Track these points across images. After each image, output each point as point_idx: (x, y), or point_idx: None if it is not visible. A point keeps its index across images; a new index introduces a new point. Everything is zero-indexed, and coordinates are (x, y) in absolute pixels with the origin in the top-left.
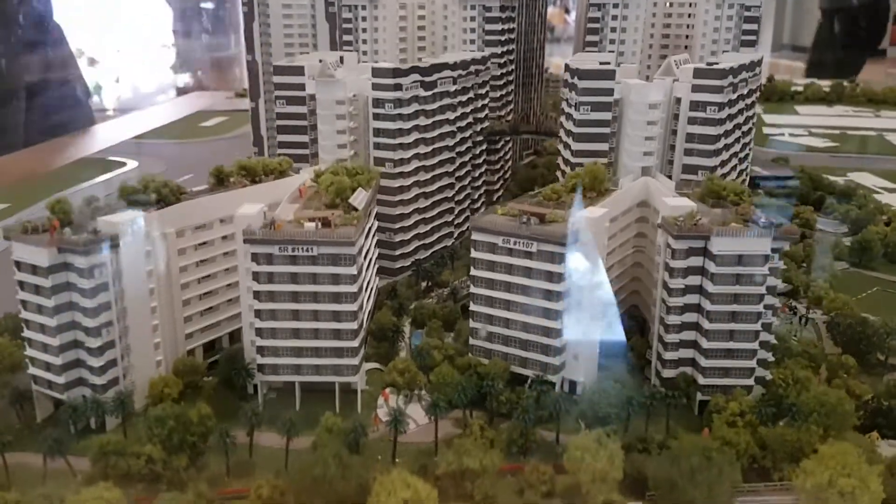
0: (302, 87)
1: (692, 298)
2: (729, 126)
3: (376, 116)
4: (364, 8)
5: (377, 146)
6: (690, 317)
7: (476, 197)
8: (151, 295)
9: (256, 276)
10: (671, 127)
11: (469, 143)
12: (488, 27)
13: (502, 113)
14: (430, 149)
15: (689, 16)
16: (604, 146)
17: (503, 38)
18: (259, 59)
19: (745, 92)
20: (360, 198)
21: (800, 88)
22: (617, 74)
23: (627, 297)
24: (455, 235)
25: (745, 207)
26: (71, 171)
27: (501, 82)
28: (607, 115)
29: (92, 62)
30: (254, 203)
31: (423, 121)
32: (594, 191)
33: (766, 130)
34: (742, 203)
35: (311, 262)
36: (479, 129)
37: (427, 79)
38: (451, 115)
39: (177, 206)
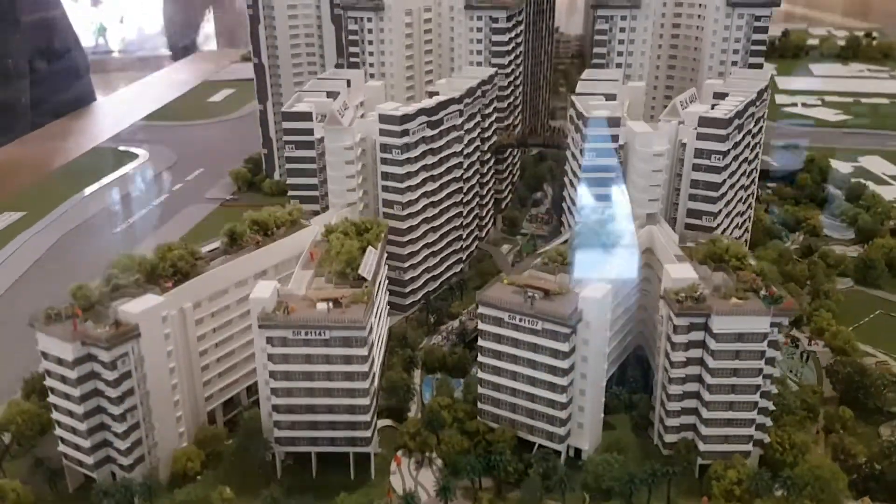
0: (310, 131)
1: (693, 369)
2: (734, 166)
3: (384, 161)
4: (370, 20)
5: (385, 189)
6: (692, 386)
7: (485, 213)
8: (172, 373)
9: (272, 357)
10: (676, 171)
11: (476, 165)
12: (495, 38)
13: (509, 122)
14: (437, 184)
15: (698, 27)
16: (608, 195)
17: (510, 48)
18: (266, 62)
19: (752, 126)
20: (369, 264)
21: (815, 42)
22: (622, 120)
23: (632, 339)
24: (464, 259)
25: (747, 274)
26: (83, 165)
27: (507, 92)
28: (613, 161)
29: (95, 2)
30: (267, 268)
31: (430, 159)
32: None
33: (779, 100)
34: (743, 269)
35: (323, 345)
36: (486, 147)
37: (434, 118)
38: (458, 148)
39: (194, 281)
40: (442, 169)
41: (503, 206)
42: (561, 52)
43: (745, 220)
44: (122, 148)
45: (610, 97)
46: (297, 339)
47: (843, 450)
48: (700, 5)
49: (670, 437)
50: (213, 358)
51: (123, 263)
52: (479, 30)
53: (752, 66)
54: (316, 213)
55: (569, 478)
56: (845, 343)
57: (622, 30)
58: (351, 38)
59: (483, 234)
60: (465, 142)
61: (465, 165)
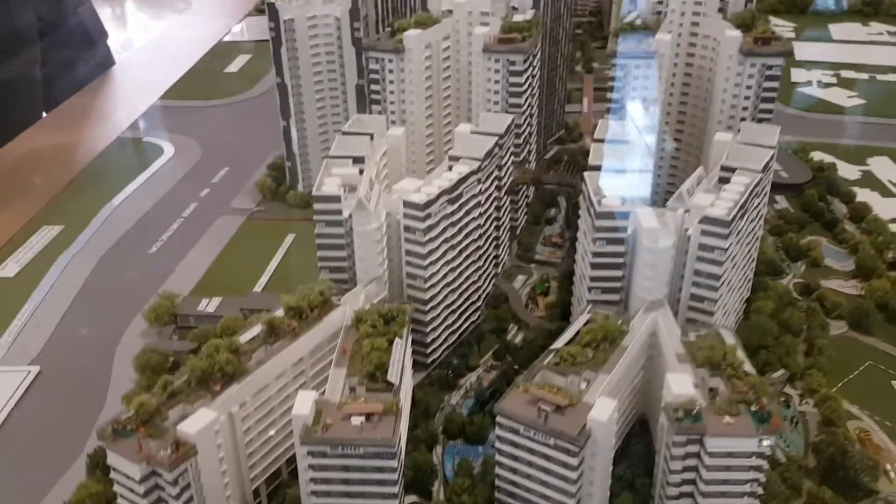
0: (339, 212)
1: (689, 474)
2: (736, 250)
3: (407, 240)
4: (391, 61)
5: (408, 263)
6: (688, 487)
7: (500, 250)
8: (224, 475)
9: (312, 467)
10: (682, 259)
11: (492, 211)
12: (512, 80)
13: (524, 155)
14: (457, 251)
15: (708, 80)
16: (618, 277)
17: (525, 88)
18: (288, 83)
19: (758, 201)
20: (395, 365)
21: None
22: (631, 214)
23: (636, 409)
24: (481, 304)
25: (741, 384)
26: (110, 161)
27: (523, 127)
28: (621, 249)
29: None
30: (304, 356)
31: (450, 231)
32: (607, 341)
33: (794, 76)
34: (739, 378)
35: (358, 458)
36: (503, 191)
37: (453, 194)
38: (476, 213)
39: (241, 387)
40: (461, 236)
41: (518, 231)
42: (578, 8)
43: (748, 270)
44: (146, 139)
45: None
46: (334, 453)
47: None
48: (713, 51)
49: None
50: (256, 444)
51: (161, 308)
52: (497, 71)
53: (761, 116)
54: (344, 283)
55: None
56: (832, 412)
57: (636, 77)
58: (372, 76)
59: (499, 270)
60: (484, 199)
61: (482, 219)
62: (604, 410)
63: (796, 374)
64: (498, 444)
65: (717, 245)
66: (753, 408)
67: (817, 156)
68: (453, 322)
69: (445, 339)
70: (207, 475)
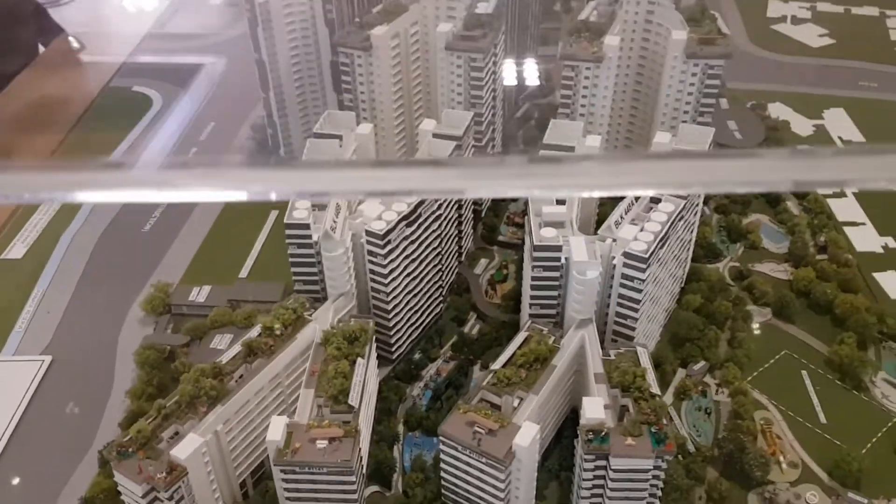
0: (309, 237)
1: (598, 482)
2: (658, 271)
3: (370, 261)
4: (359, 57)
5: (372, 280)
6: (598, 491)
7: (462, 239)
8: (212, 482)
9: (285, 481)
10: (609, 282)
11: (453, 216)
12: (473, 75)
13: (485, 141)
14: (417, 262)
15: (658, 77)
16: (553, 297)
17: (485, 82)
18: (266, 60)
19: (684, 219)
20: (356, 388)
21: None
22: (564, 246)
23: (568, 403)
24: (444, 295)
25: (645, 407)
26: (102, 110)
27: (484, 118)
28: (556, 275)
29: None
30: (279, 371)
31: (410, 248)
32: (538, 361)
33: (770, 10)
34: (645, 399)
35: (323, 476)
36: None
37: (412, 218)
38: (436, 226)
39: (225, 408)
40: (421, 248)
41: (482, 213)
42: None
43: (685, 263)
44: (135, 88)
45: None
46: (303, 472)
47: None
48: (664, 48)
49: None
50: (240, 450)
51: (156, 300)
52: (459, 66)
53: (703, 111)
54: (316, 295)
55: None
56: (741, 406)
57: (587, 77)
58: (343, 68)
59: (462, 256)
60: (445, 208)
61: (443, 227)
62: (527, 436)
63: (716, 365)
64: (442, 457)
65: (636, 276)
66: (653, 429)
67: (775, 110)
68: (416, 320)
69: (409, 336)
70: (198, 487)
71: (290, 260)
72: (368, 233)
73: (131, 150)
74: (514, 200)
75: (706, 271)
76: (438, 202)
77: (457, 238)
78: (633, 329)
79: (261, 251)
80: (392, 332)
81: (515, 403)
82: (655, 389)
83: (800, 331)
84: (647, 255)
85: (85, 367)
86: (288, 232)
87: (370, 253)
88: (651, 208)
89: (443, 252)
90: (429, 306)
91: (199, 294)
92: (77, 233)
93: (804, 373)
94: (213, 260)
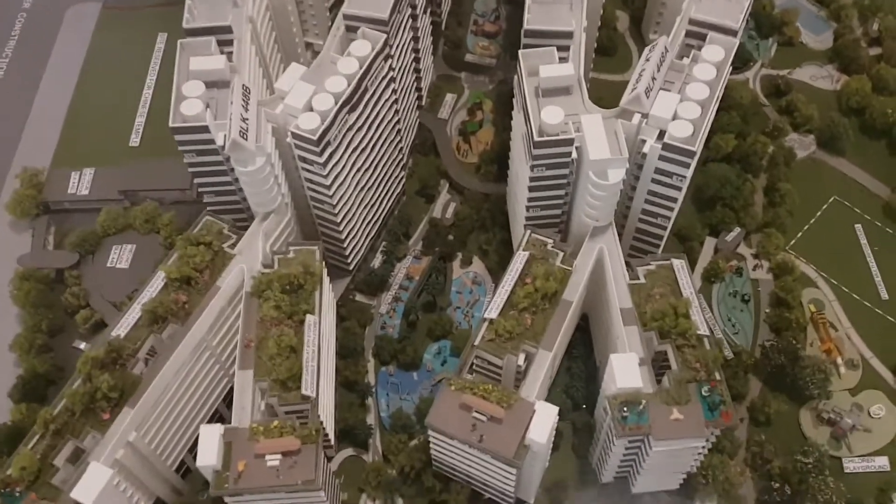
0: (211, 141)
1: (631, 454)
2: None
3: (305, 170)
4: None
5: (311, 190)
6: (630, 456)
7: (423, 79)
8: (139, 497)
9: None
10: (634, 173)
11: (410, 63)
12: None
13: None
14: (368, 152)
15: None
16: (558, 202)
17: None
18: None
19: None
20: (309, 372)
21: None
22: (576, 138)
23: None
24: (405, 165)
25: (692, 359)
26: None
27: None
28: (564, 171)
29: None
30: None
31: (357, 138)
32: (546, 299)
33: None
34: (687, 348)
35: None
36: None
37: (354, 100)
38: (388, 92)
39: (136, 411)
40: (372, 131)
41: (443, 24)
42: None
43: None
44: None
45: (563, 42)
46: (256, 498)
47: (761, 457)
48: None
49: (607, 478)
50: (167, 439)
51: (26, 199)
52: None
53: None
54: (238, 219)
55: None
56: (784, 288)
57: None
58: None
59: (422, 100)
60: (398, 63)
61: (399, 80)
62: (544, 426)
63: (752, 230)
64: (433, 446)
65: (677, 172)
66: (705, 390)
67: None
68: (373, 215)
69: (366, 236)
70: None
71: (191, 170)
72: (297, 136)
73: None
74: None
75: (734, 87)
76: (389, 59)
77: (415, 83)
78: (661, 238)
79: (152, 100)
80: (346, 243)
81: (521, 361)
82: (702, 328)
83: (851, 166)
84: (693, 146)
85: None
86: (178, 138)
87: (303, 160)
88: (691, 56)
89: (401, 111)
90: (387, 191)
91: (81, 182)
92: None
93: (858, 227)
94: (90, 124)
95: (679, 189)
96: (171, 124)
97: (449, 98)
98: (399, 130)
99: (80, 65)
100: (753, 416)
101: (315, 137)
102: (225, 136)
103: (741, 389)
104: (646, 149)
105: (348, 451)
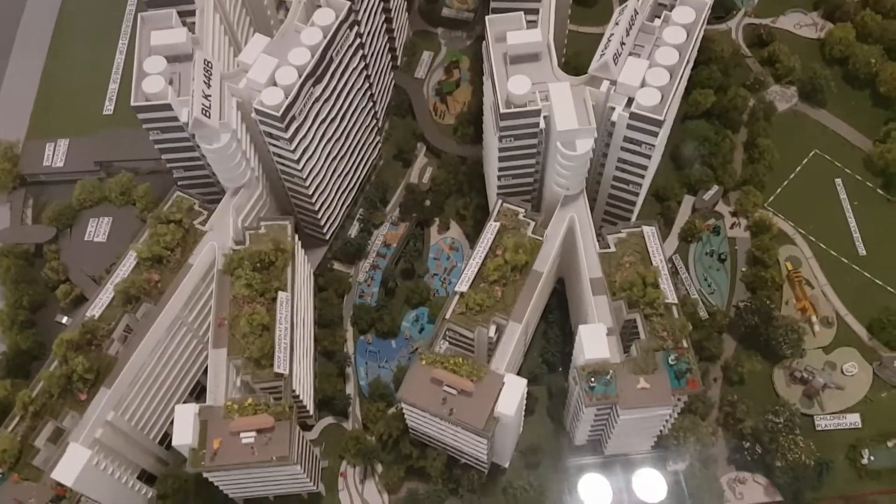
0: (175, 118)
1: (601, 420)
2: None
3: (272, 145)
4: None
5: (281, 164)
6: (601, 422)
7: (397, 39)
8: (121, 473)
9: (217, 481)
10: (604, 140)
11: (382, 23)
12: None
13: None
14: (338, 122)
15: None
16: (529, 170)
17: None
18: None
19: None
20: (282, 349)
21: None
22: (543, 108)
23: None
24: (380, 127)
25: (660, 328)
26: None
27: None
28: (533, 141)
29: None
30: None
31: (325, 109)
32: (516, 271)
33: None
34: (655, 317)
35: (259, 470)
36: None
37: (318, 71)
38: (357, 59)
39: (113, 391)
40: (341, 100)
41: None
42: None
43: None
44: None
45: (532, 5)
46: (233, 473)
47: (733, 417)
48: None
49: (580, 441)
50: (147, 415)
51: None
52: None
53: None
54: (207, 193)
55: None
56: (762, 247)
57: None
58: None
59: (398, 60)
60: (367, 28)
61: (370, 44)
62: (512, 399)
63: (731, 188)
64: (408, 418)
65: (646, 141)
66: (671, 359)
67: None
68: (348, 184)
69: (342, 205)
70: (102, 490)
71: (157, 147)
72: (260, 112)
73: None
74: None
75: (715, 39)
76: (356, 26)
77: (388, 44)
78: (634, 204)
79: (125, 66)
80: (320, 213)
81: (492, 333)
82: (671, 296)
83: (833, 118)
84: (661, 115)
85: None
86: (141, 116)
87: (269, 136)
88: (662, 16)
89: (373, 75)
90: (362, 158)
91: (57, 153)
92: None
93: (838, 181)
94: (64, 93)
95: (648, 157)
96: (132, 103)
97: (426, 56)
98: (371, 95)
99: (51, 31)
100: (727, 376)
101: (279, 113)
102: (188, 112)
103: (715, 350)
104: (614, 117)
105: (329, 420)
